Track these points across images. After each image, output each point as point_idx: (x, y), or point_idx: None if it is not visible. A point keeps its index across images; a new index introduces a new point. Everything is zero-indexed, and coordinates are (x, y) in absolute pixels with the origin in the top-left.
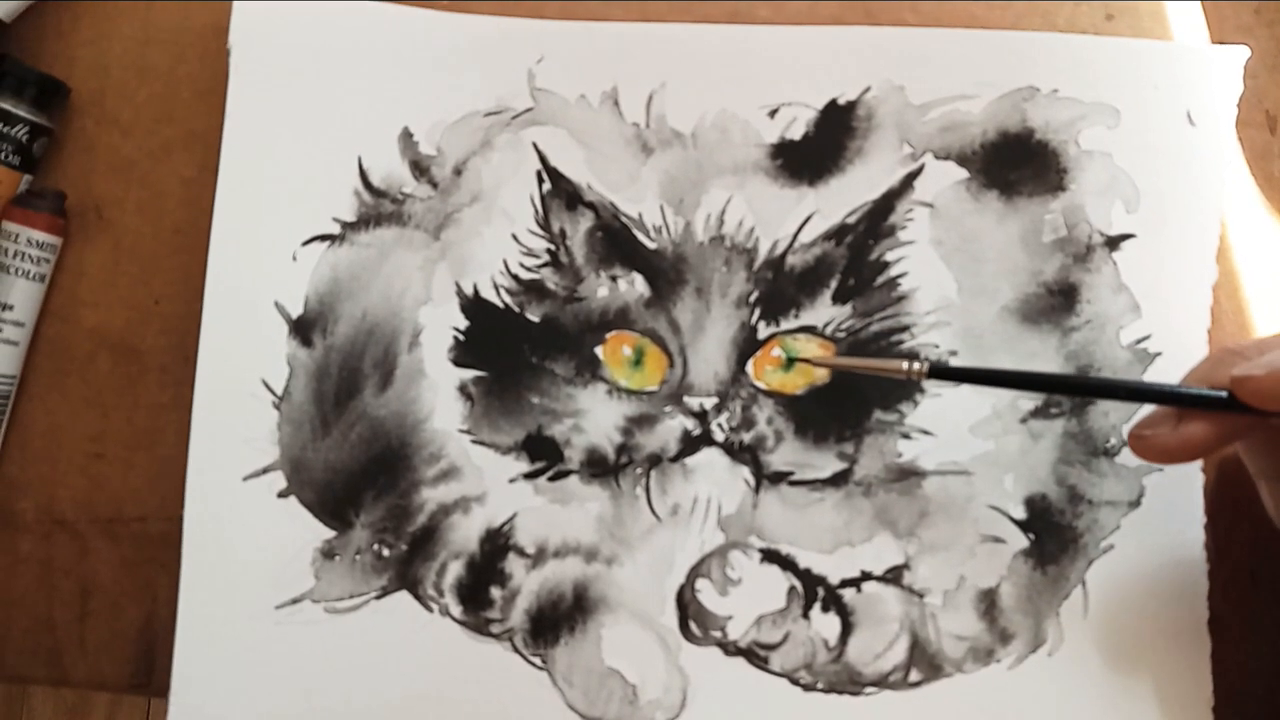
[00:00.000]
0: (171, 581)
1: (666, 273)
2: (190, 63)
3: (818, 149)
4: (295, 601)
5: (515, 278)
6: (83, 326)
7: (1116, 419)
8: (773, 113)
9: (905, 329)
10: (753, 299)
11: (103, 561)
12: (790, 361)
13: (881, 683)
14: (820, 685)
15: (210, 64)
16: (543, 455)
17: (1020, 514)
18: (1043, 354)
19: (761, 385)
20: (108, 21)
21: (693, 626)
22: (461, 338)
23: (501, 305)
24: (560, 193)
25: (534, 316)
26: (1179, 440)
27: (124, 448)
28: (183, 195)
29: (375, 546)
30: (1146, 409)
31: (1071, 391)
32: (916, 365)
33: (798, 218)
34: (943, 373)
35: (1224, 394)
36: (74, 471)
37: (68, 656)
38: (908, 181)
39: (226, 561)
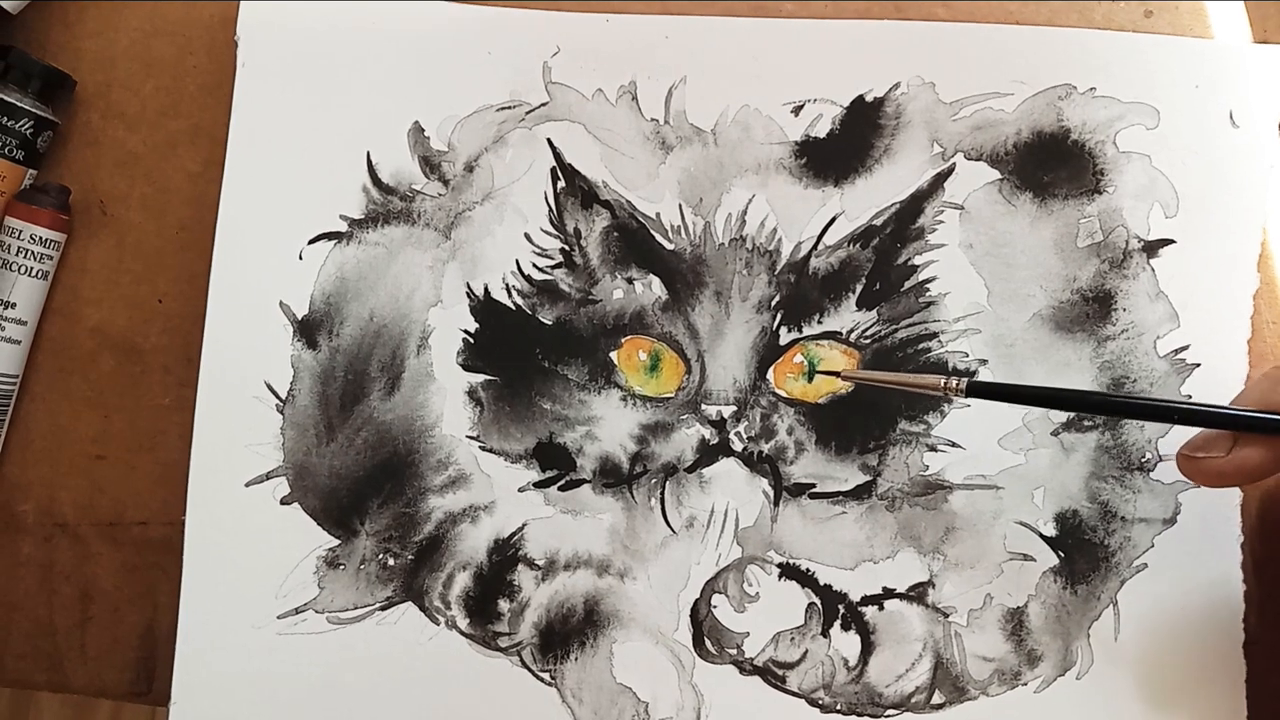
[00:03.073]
0: (173, 588)
1: (685, 275)
2: (197, 55)
3: (843, 147)
4: (298, 611)
5: (528, 279)
6: (85, 325)
7: (1152, 433)
8: (797, 109)
9: (933, 336)
10: (774, 303)
11: (104, 566)
12: (813, 369)
13: (903, 705)
14: (839, 706)
15: (217, 57)
16: (554, 464)
17: (1050, 531)
18: (1076, 364)
19: (782, 393)
20: (114, 13)
21: (707, 643)
22: (471, 340)
23: (513, 307)
24: (575, 191)
25: (546, 319)
26: (1234, 465)
27: (126, 450)
28: (188, 191)
29: (380, 556)
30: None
31: (1123, 414)
32: (953, 383)
33: (822, 219)
34: (982, 390)
35: None
36: (75, 473)
37: (68, 662)
38: (937, 182)
39: (228, 569)
